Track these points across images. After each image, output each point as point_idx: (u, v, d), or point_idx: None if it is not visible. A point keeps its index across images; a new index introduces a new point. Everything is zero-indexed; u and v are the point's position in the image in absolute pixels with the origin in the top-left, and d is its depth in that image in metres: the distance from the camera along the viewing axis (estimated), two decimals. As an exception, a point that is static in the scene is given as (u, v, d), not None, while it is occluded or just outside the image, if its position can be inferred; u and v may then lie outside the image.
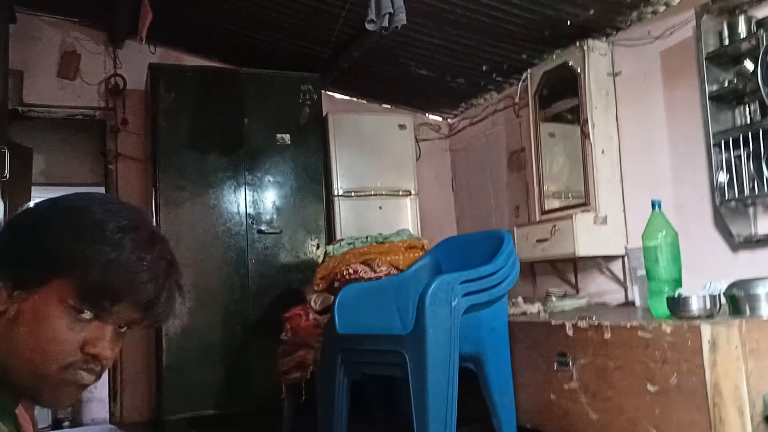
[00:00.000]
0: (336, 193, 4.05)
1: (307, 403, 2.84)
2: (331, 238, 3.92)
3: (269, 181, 3.87)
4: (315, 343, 2.78)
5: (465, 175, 4.80)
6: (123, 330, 0.85)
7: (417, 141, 4.46)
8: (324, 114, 4.11)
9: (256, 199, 3.83)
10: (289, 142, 3.90)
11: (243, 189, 3.81)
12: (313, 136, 3.99)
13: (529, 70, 3.77)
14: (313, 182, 3.96)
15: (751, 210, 2.73)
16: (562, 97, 3.63)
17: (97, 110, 4.25)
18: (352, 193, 4.08)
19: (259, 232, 3.79)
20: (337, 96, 4.63)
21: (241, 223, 3.78)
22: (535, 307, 3.07)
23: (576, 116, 3.46)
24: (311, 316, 2.92)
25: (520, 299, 3.18)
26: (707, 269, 2.78)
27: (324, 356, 2.65)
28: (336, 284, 2.86)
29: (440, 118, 4.94)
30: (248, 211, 3.80)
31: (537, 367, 2.46)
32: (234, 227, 3.77)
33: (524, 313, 2.98)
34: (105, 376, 4.01)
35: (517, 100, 4.05)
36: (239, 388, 3.56)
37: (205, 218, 3.73)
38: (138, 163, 4.23)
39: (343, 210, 4.04)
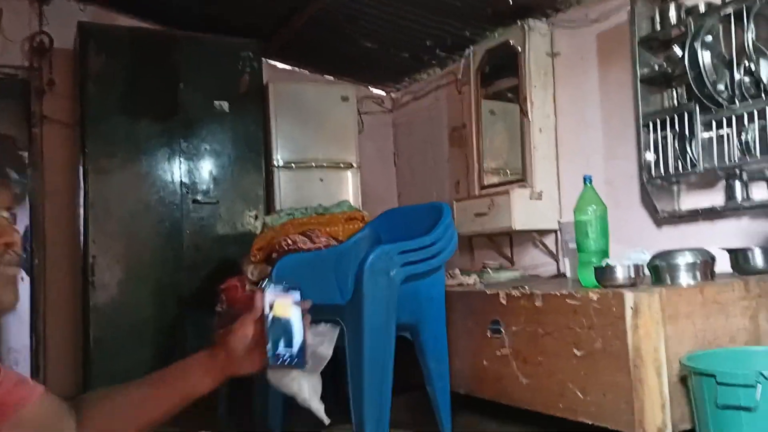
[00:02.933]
0: (276, 163, 4.03)
1: (244, 382, 2.82)
2: (270, 209, 3.91)
3: (206, 149, 3.81)
4: (253, 313, 2.77)
5: (407, 149, 4.85)
6: (6, 215, 0.93)
7: (360, 114, 4.48)
8: (265, 83, 4.07)
9: (192, 168, 3.77)
10: (228, 111, 3.85)
11: (178, 157, 3.74)
12: (253, 105, 3.95)
13: (471, 47, 3.83)
14: (252, 152, 3.92)
15: (675, 188, 2.87)
16: (503, 75, 3.71)
17: (20, 70, 4.02)
18: (293, 165, 4.07)
19: (195, 202, 3.74)
20: (279, 65, 4.58)
21: (176, 193, 3.72)
22: (471, 279, 3.16)
23: (516, 94, 3.55)
24: (248, 287, 2.91)
25: (457, 271, 3.26)
26: (634, 242, 2.92)
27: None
28: (274, 255, 2.86)
29: (383, 92, 4.97)
30: (183, 180, 3.74)
31: (472, 335, 2.54)
32: (168, 197, 3.70)
33: (461, 284, 3.07)
34: (27, 351, 3.90)
35: (459, 76, 4.12)
36: (173, 362, 3.51)
37: (137, 187, 3.64)
38: (65, 127, 4.03)
39: (283, 181, 4.02)
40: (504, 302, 2.39)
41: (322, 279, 2.69)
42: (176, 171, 3.73)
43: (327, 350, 1.14)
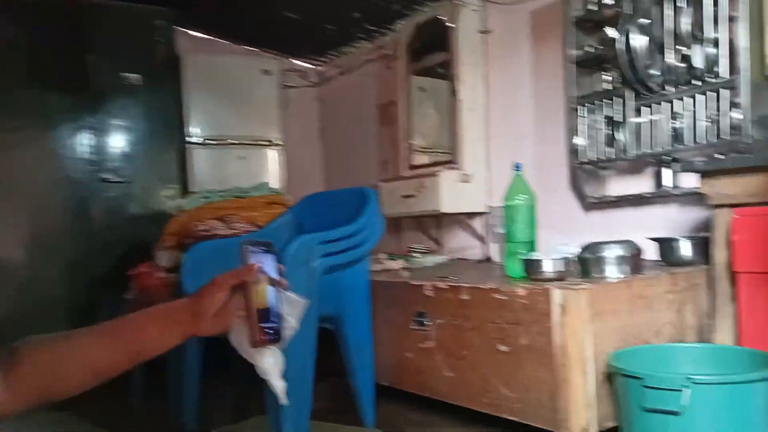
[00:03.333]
0: (192, 140, 3.79)
1: (158, 363, 2.67)
2: (186, 189, 3.68)
3: (116, 125, 3.55)
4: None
5: (333, 125, 4.68)
6: None
7: (283, 88, 4.27)
8: (180, 54, 3.81)
9: (101, 145, 3.51)
10: (140, 83, 3.58)
11: (86, 133, 3.47)
12: (168, 78, 3.69)
13: (401, 22, 3.67)
14: (167, 128, 3.68)
15: (604, 173, 2.83)
16: (434, 51, 3.58)
17: None
18: (210, 142, 3.83)
19: (104, 180, 3.49)
20: (196, 35, 4.28)
21: (84, 171, 3.46)
22: (397, 264, 3.06)
23: (446, 71, 3.43)
24: (160, 274, 2.73)
25: (383, 256, 3.16)
26: (562, 227, 2.89)
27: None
28: (189, 241, 2.68)
29: (309, 65, 4.76)
30: (92, 157, 3.48)
31: (396, 326, 2.45)
32: (76, 174, 3.44)
33: (386, 270, 2.97)
34: None
35: (388, 51, 3.96)
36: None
37: (43, 164, 3.38)
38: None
39: (200, 159, 3.78)
40: (430, 294, 2.30)
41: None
42: (84, 147, 3.47)
43: (296, 322, 1.03)
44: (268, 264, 1.00)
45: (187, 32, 4.20)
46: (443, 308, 2.24)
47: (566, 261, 2.00)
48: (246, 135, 3.91)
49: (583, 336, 1.81)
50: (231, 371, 3.01)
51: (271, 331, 0.97)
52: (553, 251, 2.08)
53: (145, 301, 2.75)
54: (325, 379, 2.41)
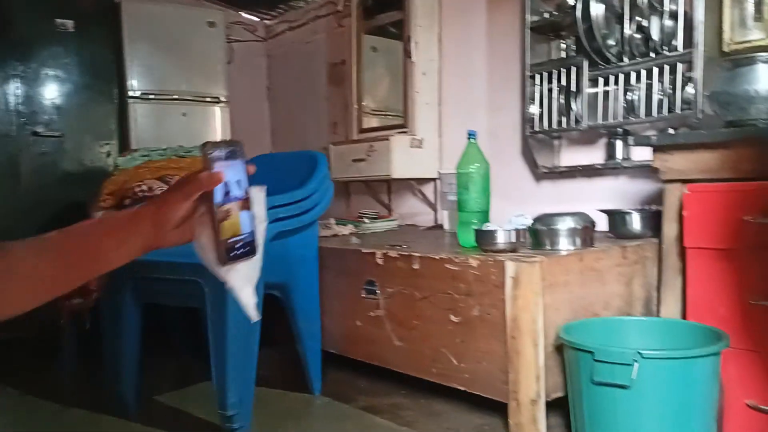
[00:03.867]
0: (130, 94, 3.60)
1: (93, 330, 2.57)
2: (125, 145, 3.52)
3: (47, 74, 3.34)
4: (103, 266, 2.48)
5: (282, 84, 4.53)
6: None
7: (229, 42, 4.09)
8: (117, 0, 3.59)
9: (31, 95, 3.30)
10: (73, 30, 3.36)
11: (12, 82, 3.25)
12: (104, 26, 3.49)
13: (354, -22, 3.54)
14: (103, 80, 3.49)
15: (556, 143, 2.82)
16: (388, 9, 3.47)
17: None
18: (151, 96, 3.65)
19: (35, 134, 3.29)
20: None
21: (11, 123, 3.25)
22: (347, 229, 3.01)
23: (400, 32, 3.34)
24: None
25: (332, 221, 3.10)
26: (514, 196, 2.88)
27: (111, 282, 2.38)
28: (127, 202, 2.56)
29: (257, 18, 4.57)
30: (20, 108, 3.27)
31: (345, 294, 2.41)
32: (2, 127, 3.23)
33: (335, 236, 2.91)
34: None
35: (340, 7, 3.83)
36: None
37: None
38: None
39: (140, 114, 3.61)
40: (380, 262, 2.25)
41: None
42: (11, 98, 3.25)
43: (264, 213, 0.92)
44: (235, 170, 0.88)
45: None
46: (394, 277, 2.20)
47: (519, 232, 1.98)
48: (189, 90, 3.75)
49: (535, 308, 1.81)
50: (172, 338, 2.93)
51: (240, 246, 0.88)
52: (506, 222, 2.06)
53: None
54: (271, 346, 2.37)
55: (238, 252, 0.87)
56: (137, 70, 3.60)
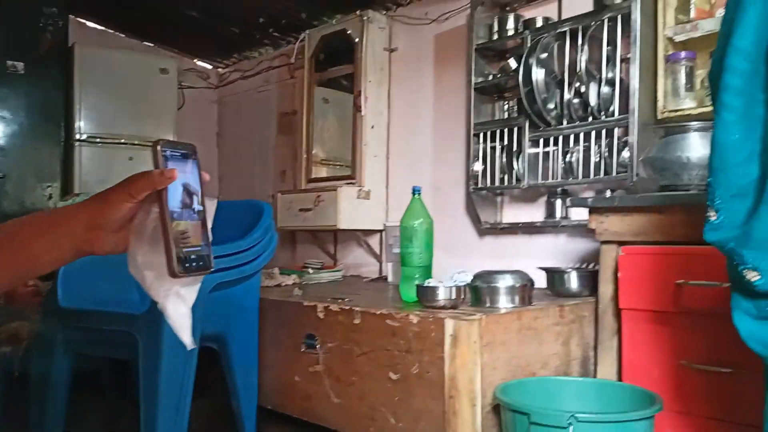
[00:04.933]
0: (77, 137, 3.55)
1: (22, 380, 2.47)
2: (68, 188, 3.44)
3: (-6, 115, 3.28)
4: (33, 314, 2.41)
5: (232, 131, 4.53)
6: None
7: (181, 87, 4.09)
8: (70, 44, 3.56)
9: (-27, 136, 3.23)
10: (23, 72, 3.32)
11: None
12: (55, 69, 3.45)
13: (307, 31, 3.60)
14: (51, 122, 3.43)
15: (498, 199, 2.87)
16: (339, 62, 3.53)
17: None
18: (98, 139, 3.60)
19: (-27, 174, 3.21)
20: (90, 25, 4.03)
21: (-47, 163, 3.17)
22: (290, 279, 2.98)
23: (351, 84, 3.39)
24: (31, 282, 2.52)
25: (276, 270, 3.07)
26: (457, 250, 2.91)
27: (42, 331, 2.30)
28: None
29: (210, 66, 4.59)
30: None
31: (284, 348, 2.37)
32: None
33: (279, 285, 2.88)
34: None
35: (292, 60, 3.88)
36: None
37: None
38: None
39: (84, 157, 3.55)
40: (321, 315, 2.23)
41: (119, 278, 2.35)
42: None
43: (210, 225, 0.81)
44: (189, 173, 0.78)
45: (82, 22, 3.95)
46: (335, 331, 2.18)
47: (459, 289, 2.00)
48: (137, 135, 3.70)
49: (473, 367, 1.81)
50: (102, 383, 2.83)
51: (195, 258, 0.76)
52: (447, 278, 2.08)
53: (12, 311, 2.54)
54: (205, 398, 2.31)
55: (193, 265, 0.75)
56: (85, 113, 3.57)
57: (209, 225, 0.79)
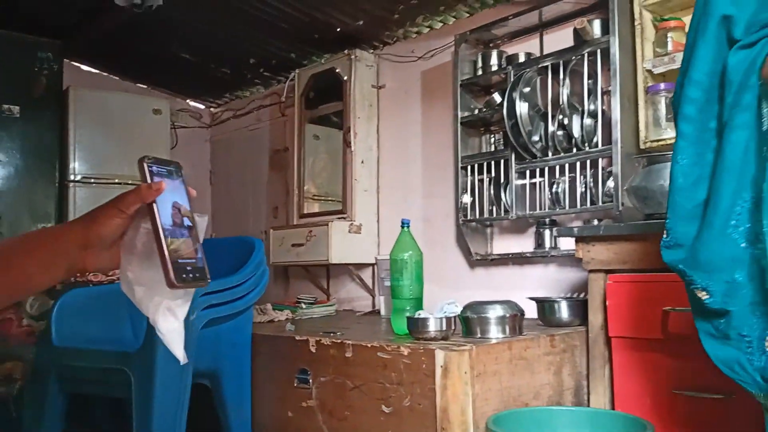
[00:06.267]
0: (71, 177, 3.58)
1: (17, 422, 2.46)
2: (62, 229, 3.46)
3: (-12, 157, 3.33)
4: (27, 354, 2.41)
5: (225, 169, 4.58)
6: None
7: (174, 127, 4.14)
8: (65, 87, 3.62)
9: (-31, 177, 3.27)
10: (18, 115, 3.37)
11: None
12: (50, 112, 3.50)
13: (297, 70, 3.67)
14: (45, 163, 3.48)
15: (488, 231, 2.91)
16: (329, 101, 3.61)
17: None
18: (92, 180, 3.63)
19: (-33, 217, 3.24)
20: (84, 68, 4.08)
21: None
22: (283, 315, 2.99)
23: (340, 121, 3.45)
24: (25, 321, 2.52)
25: (269, 306, 3.07)
26: (449, 282, 2.93)
27: (35, 371, 2.30)
28: (58, 287, 2.50)
29: (202, 106, 4.65)
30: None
31: (277, 383, 2.37)
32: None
33: (272, 321, 2.89)
34: None
35: (283, 98, 3.94)
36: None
37: None
38: None
39: (79, 198, 3.57)
40: (313, 350, 2.24)
41: (112, 317, 2.37)
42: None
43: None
44: (176, 189, 0.79)
45: (76, 66, 4.01)
46: (327, 365, 2.18)
47: (450, 320, 2.02)
48: (131, 174, 3.73)
49: (464, 398, 1.81)
50: (96, 422, 2.81)
51: (192, 270, 0.76)
52: (438, 309, 2.10)
53: (6, 351, 2.54)
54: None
55: (190, 276, 0.75)
56: (80, 154, 3.61)
57: (200, 236, 0.80)
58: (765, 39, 1.09)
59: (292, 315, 3.03)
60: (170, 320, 0.78)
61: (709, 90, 1.17)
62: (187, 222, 0.79)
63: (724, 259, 1.17)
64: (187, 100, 4.55)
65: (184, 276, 0.74)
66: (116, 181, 3.69)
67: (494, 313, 2.05)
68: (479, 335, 2.04)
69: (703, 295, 1.21)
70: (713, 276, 1.19)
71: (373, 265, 3.36)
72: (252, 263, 2.37)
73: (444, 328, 2.00)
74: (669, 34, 2.31)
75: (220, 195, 4.58)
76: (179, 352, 0.80)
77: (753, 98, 1.11)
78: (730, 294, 1.17)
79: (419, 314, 2.06)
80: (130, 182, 3.68)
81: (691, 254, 1.22)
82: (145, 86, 4.32)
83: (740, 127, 1.14)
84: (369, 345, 2.05)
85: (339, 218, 3.31)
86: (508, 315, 2.04)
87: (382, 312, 2.97)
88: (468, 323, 2.07)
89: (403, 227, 2.26)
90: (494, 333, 2.03)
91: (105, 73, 4.18)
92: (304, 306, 3.17)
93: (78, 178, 3.60)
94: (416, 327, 2.03)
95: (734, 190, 1.15)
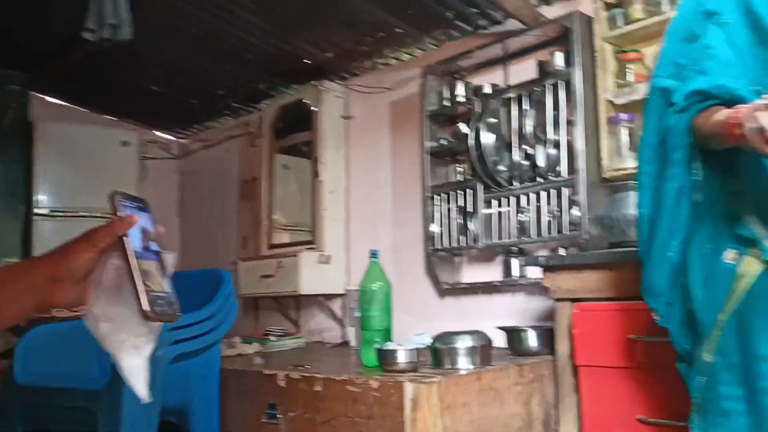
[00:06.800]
0: (38, 211, 3.53)
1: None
2: (27, 263, 3.40)
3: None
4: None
5: (194, 200, 4.54)
6: None
7: (143, 159, 4.11)
8: (33, 119, 3.59)
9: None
10: (-16, 148, 3.35)
11: None
12: (17, 144, 3.49)
13: (266, 101, 3.68)
14: (12, 197, 3.45)
15: (457, 260, 2.92)
16: (298, 131, 3.62)
17: None
18: (58, 213, 3.59)
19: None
20: (52, 100, 4.04)
21: None
22: (252, 348, 2.96)
23: (309, 151, 3.46)
24: (-12, 359, 2.47)
25: (237, 339, 3.04)
26: (418, 312, 2.93)
27: (1, 409, 2.25)
28: (22, 324, 2.45)
29: (171, 137, 4.63)
30: None
31: (246, 419, 2.33)
32: None
33: (240, 355, 2.86)
34: None
35: (252, 129, 3.94)
36: None
37: None
38: None
39: (46, 231, 3.52)
40: (282, 384, 2.21)
41: (79, 354, 2.32)
42: None
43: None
44: (145, 223, 0.80)
45: (44, 98, 3.97)
46: (296, 400, 2.16)
47: (419, 351, 2.02)
48: (99, 207, 3.67)
49: (434, 431, 1.81)
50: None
51: (164, 303, 0.76)
52: (407, 340, 2.10)
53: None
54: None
55: (161, 309, 0.75)
56: (46, 187, 3.57)
57: (169, 273, 0.81)
58: (693, 105, 1.31)
59: (261, 348, 3.00)
60: (134, 357, 0.78)
61: (655, 147, 1.43)
62: (154, 247, 0.80)
63: (663, 285, 1.45)
64: (156, 132, 4.53)
65: (156, 308, 0.74)
66: (83, 214, 3.64)
67: (463, 343, 2.05)
68: (449, 366, 2.04)
69: (654, 317, 1.47)
70: (658, 299, 1.47)
71: (342, 295, 3.35)
72: (220, 296, 2.36)
73: (413, 359, 2.00)
74: (629, 66, 2.38)
75: (189, 226, 4.54)
76: (142, 390, 0.79)
77: (683, 154, 1.35)
78: (668, 314, 1.46)
79: (388, 346, 2.06)
80: (97, 215, 3.64)
81: (643, 281, 1.50)
82: (113, 118, 4.28)
83: (673, 177, 1.38)
84: (338, 378, 2.03)
85: (308, 249, 3.31)
86: (477, 345, 2.05)
87: (352, 343, 2.96)
88: (437, 354, 2.07)
89: (371, 258, 2.26)
90: (463, 364, 2.03)
91: (73, 106, 4.14)
92: (273, 338, 3.15)
93: (45, 211, 3.55)
94: (386, 359, 2.02)
95: (669, 228, 1.41)
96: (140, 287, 0.73)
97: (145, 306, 0.73)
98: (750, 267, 1.30)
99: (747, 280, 1.30)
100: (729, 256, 1.33)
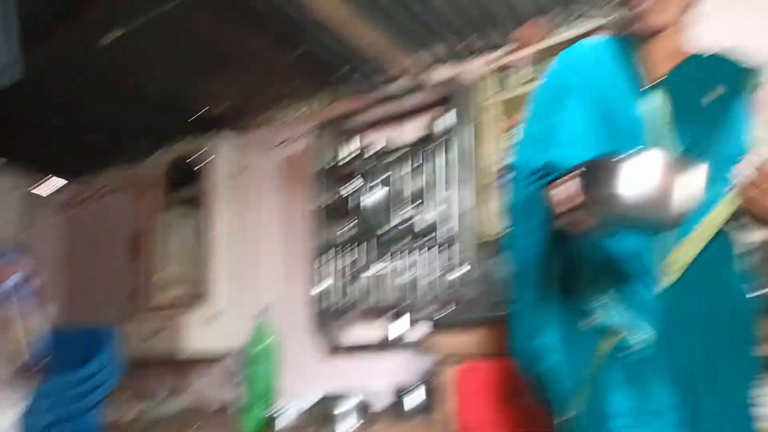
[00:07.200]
0: None
1: None
2: None
3: None
4: None
5: (81, 254, 4.32)
6: None
7: (27, 209, 3.89)
8: None
9: None
10: None
11: None
12: None
13: (156, 153, 3.60)
14: None
15: (344, 318, 2.90)
16: (189, 185, 3.52)
17: None
18: None
19: None
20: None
21: None
22: (135, 411, 2.83)
23: (202, 204, 3.39)
24: None
25: (121, 400, 2.90)
26: (306, 371, 2.87)
27: None
28: None
29: (59, 185, 4.40)
30: None
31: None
32: None
33: (120, 419, 2.72)
34: None
35: (141, 180, 3.82)
36: None
37: None
38: None
39: None
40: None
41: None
42: None
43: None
44: (17, 280, 0.78)
45: None
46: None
47: (302, 415, 2.00)
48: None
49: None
50: None
51: (36, 359, 0.74)
52: (292, 403, 2.08)
53: None
54: None
55: (35, 366, 0.73)
56: None
57: (45, 329, 0.79)
58: (544, 177, 1.36)
59: (144, 410, 2.87)
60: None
61: (519, 213, 1.48)
62: (31, 305, 0.79)
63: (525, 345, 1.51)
64: (44, 180, 4.31)
65: (31, 365, 0.73)
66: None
67: (348, 405, 2.05)
68: (333, 428, 2.03)
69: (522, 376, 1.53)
70: (522, 360, 1.53)
71: (228, 356, 3.25)
72: (104, 354, 2.25)
73: (297, 423, 1.98)
74: (514, 130, 2.48)
75: (73, 281, 4.30)
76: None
77: (538, 222, 1.41)
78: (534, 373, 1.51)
79: (272, 409, 2.03)
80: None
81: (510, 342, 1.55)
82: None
83: (532, 245, 1.44)
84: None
85: (196, 305, 3.21)
86: (361, 407, 2.06)
87: (237, 405, 2.87)
88: (320, 417, 2.06)
89: (258, 318, 2.23)
90: (348, 425, 2.03)
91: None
92: (157, 401, 3.01)
93: None
94: (268, 424, 1.99)
95: (532, 292, 1.46)
96: (16, 342, 0.72)
97: (23, 366, 0.71)
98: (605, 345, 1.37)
99: (605, 348, 1.36)
100: (587, 322, 1.39)
